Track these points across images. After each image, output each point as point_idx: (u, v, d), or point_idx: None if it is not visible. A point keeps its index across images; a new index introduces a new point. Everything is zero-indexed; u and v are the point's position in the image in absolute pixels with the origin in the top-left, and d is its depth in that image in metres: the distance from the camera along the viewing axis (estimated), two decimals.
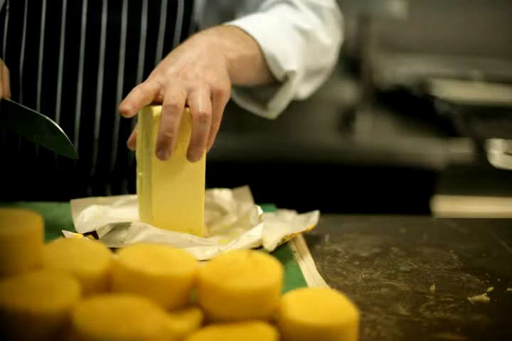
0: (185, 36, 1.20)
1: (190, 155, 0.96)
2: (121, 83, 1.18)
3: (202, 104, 0.94)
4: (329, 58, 1.29)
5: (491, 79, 2.66)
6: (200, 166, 0.99)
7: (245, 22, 1.13)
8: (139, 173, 1.01)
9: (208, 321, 0.72)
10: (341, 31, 1.33)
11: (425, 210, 2.19)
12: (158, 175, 0.97)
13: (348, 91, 2.63)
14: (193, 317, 0.72)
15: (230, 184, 1.18)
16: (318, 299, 0.76)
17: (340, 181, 2.21)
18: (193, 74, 0.98)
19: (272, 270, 0.74)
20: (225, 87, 0.99)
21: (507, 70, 2.70)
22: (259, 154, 2.15)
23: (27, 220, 0.72)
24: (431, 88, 2.53)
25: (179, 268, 0.73)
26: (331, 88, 2.49)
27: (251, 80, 1.13)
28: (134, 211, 1.05)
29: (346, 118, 2.44)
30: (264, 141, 2.20)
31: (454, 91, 2.53)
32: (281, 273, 0.74)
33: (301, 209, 1.11)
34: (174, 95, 0.94)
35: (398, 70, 2.61)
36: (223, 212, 1.09)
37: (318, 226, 1.05)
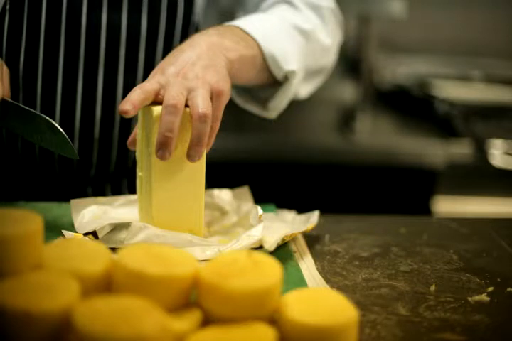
0: (185, 36, 1.20)
1: (190, 155, 0.96)
2: (121, 83, 1.18)
3: (202, 104, 0.94)
4: (329, 58, 1.29)
5: (491, 79, 2.66)
6: (200, 166, 0.99)
7: (245, 22, 1.13)
8: (139, 173, 1.01)
9: (208, 321, 0.72)
10: (341, 31, 1.33)
11: (425, 210, 2.19)
12: (158, 175, 0.97)
13: (348, 91, 2.63)
14: (193, 317, 0.72)
15: (230, 184, 1.18)
16: (318, 299, 0.76)
17: (340, 181, 2.22)
18: (193, 74, 0.98)
19: (272, 270, 0.74)
20: (225, 87, 0.99)
21: (507, 70, 2.70)
22: (259, 154, 2.16)
23: (27, 220, 0.72)
24: (431, 88, 2.53)
25: (179, 268, 0.73)
26: (331, 88, 2.49)
27: (251, 80, 1.13)
28: (134, 211, 1.05)
29: (346, 118, 2.45)
30: (264, 141, 2.20)
31: (454, 91, 2.53)
32: (281, 273, 0.74)
33: (301, 209, 1.11)
34: (174, 95, 0.94)
35: (398, 70, 2.61)
36: (223, 212, 1.09)
37: (318, 226, 1.05)
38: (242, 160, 2.15)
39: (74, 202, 1.06)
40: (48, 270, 0.72)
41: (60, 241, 0.78)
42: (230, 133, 2.13)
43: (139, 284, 0.71)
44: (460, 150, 2.18)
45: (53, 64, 1.16)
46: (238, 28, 1.11)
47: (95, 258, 0.74)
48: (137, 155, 1.01)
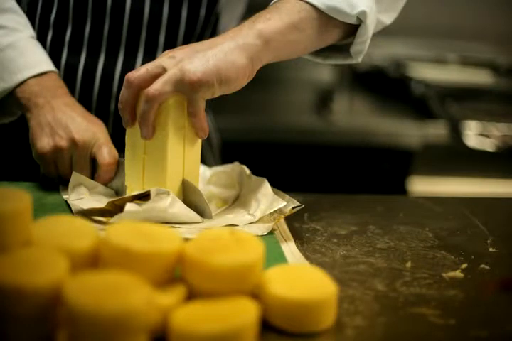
0: (206, 24, 1.22)
1: (141, 133, 0.99)
2: (140, 65, 1.20)
3: (156, 85, 0.95)
4: None
5: (466, 62, 2.68)
6: (197, 145, 1.04)
7: None
8: (142, 155, 1.02)
9: (192, 295, 0.74)
10: None
11: (401, 190, 2.21)
12: (171, 154, 1.00)
13: (325, 72, 2.64)
14: (178, 291, 0.74)
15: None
16: (298, 275, 0.78)
17: (317, 161, 2.23)
18: (180, 57, 0.97)
19: (254, 247, 0.76)
20: (203, 79, 0.95)
21: (482, 53, 2.73)
22: (236, 134, 2.16)
23: (16, 198, 0.73)
24: (407, 69, 2.55)
25: (164, 245, 0.74)
26: (308, 69, 2.50)
27: (314, 43, 1.05)
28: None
29: (323, 99, 2.45)
30: (241, 121, 2.20)
31: (430, 72, 2.55)
32: (263, 249, 0.76)
33: (279, 188, 1.11)
34: (140, 70, 0.97)
35: (375, 52, 2.62)
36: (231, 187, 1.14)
37: None
38: (219, 140, 2.16)
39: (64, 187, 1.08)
40: (37, 246, 0.73)
41: (48, 219, 0.79)
42: (207, 113, 2.14)
43: (125, 260, 0.72)
44: (435, 131, 2.19)
45: (79, 41, 1.21)
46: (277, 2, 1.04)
47: (83, 235, 0.76)
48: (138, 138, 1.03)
